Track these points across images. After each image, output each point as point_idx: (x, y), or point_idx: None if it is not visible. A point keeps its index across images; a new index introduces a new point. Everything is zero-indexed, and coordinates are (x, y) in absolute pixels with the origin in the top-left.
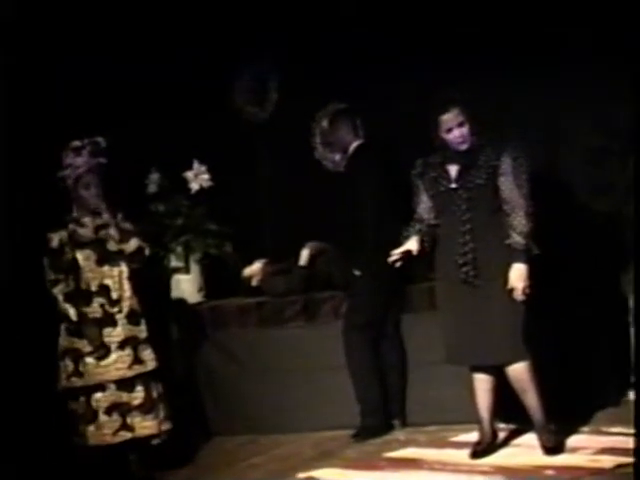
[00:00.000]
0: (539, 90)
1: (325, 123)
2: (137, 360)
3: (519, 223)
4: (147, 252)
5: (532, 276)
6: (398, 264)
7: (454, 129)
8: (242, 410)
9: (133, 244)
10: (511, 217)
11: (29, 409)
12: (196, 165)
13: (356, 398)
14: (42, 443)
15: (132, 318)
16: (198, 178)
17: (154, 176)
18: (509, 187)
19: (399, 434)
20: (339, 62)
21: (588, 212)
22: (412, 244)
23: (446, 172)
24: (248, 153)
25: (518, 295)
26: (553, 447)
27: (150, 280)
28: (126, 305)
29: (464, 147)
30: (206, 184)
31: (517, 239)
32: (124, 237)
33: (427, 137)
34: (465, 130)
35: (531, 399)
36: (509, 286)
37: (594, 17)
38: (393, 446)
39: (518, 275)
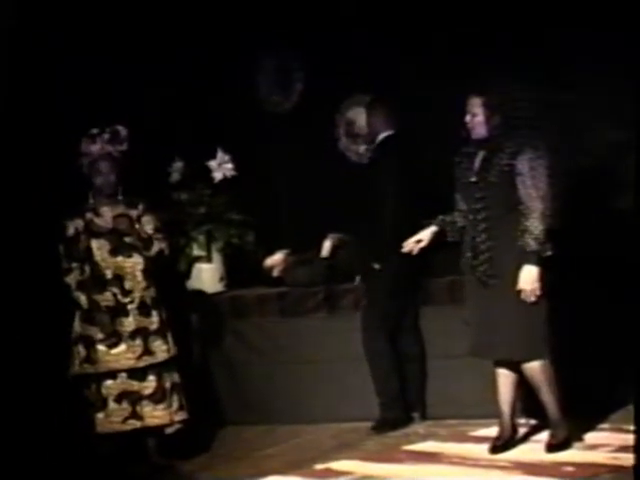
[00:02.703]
0: (559, 85)
1: (351, 114)
2: (147, 351)
3: (532, 225)
4: (167, 252)
5: (547, 276)
6: (415, 252)
7: (467, 115)
8: (261, 400)
9: (154, 250)
10: (525, 218)
11: (46, 395)
12: (220, 154)
13: (375, 391)
14: (59, 430)
15: (143, 309)
16: (221, 167)
17: (177, 165)
18: (525, 188)
19: (419, 427)
20: (364, 53)
21: (611, 209)
22: (424, 234)
23: (472, 164)
24: (272, 143)
25: (527, 297)
26: (554, 444)
27: (170, 269)
28: (138, 296)
29: (474, 136)
30: (229, 173)
31: (529, 241)
32: (146, 244)
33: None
34: (476, 120)
35: (545, 397)
36: (518, 287)
37: (614, 10)
38: (412, 439)
39: (528, 277)
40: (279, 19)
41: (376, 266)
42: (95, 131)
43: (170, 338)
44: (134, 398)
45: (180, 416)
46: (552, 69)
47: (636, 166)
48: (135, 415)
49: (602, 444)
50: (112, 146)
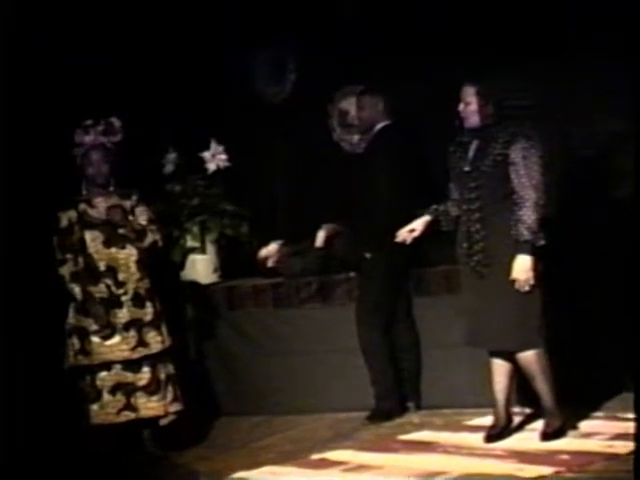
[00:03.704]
0: (557, 75)
1: (345, 104)
2: (141, 342)
3: (525, 214)
4: (161, 244)
5: (541, 265)
6: (408, 241)
7: (461, 104)
8: (256, 390)
9: (148, 241)
10: (518, 208)
11: (40, 387)
12: (213, 145)
13: (370, 381)
14: (53, 421)
15: (137, 300)
16: (215, 158)
17: (171, 156)
18: (518, 177)
19: (413, 417)
20: (357, 43)
21: (605, 198)
22: (417, 223)
23: (466, 153)
24: (265, 134)
25: (521, 287)
26: (549, 433)
27: (164, 260)
28: (132, 287)
29: (467, 124)
30: (223, 164)
31: (522, 231)
32: (140, 236)
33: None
34: (470, 108)
35: (540, 386)
36: (511, 277)
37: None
38: (407, 429)
39: (521, 267)
40: (272, 9)
41: (367, 255)
42: (89, 122)
43: (164, 329)
44: (128, 389)
45: (175, 407)
46: (546, 58)
47: (635, 155)
48: (129, 406)
49: (597, 432)
50: (106, 137)
